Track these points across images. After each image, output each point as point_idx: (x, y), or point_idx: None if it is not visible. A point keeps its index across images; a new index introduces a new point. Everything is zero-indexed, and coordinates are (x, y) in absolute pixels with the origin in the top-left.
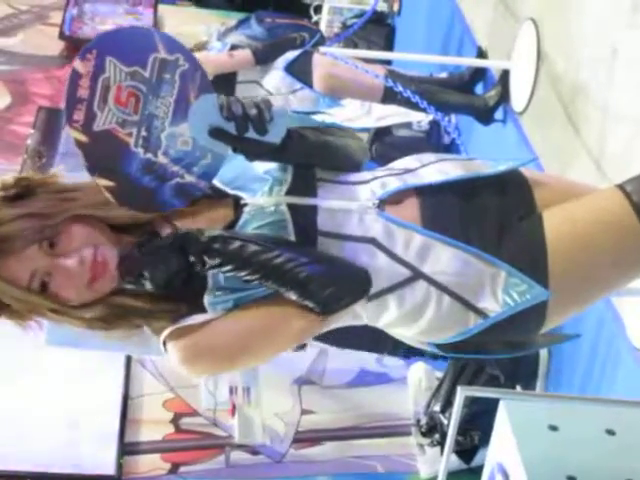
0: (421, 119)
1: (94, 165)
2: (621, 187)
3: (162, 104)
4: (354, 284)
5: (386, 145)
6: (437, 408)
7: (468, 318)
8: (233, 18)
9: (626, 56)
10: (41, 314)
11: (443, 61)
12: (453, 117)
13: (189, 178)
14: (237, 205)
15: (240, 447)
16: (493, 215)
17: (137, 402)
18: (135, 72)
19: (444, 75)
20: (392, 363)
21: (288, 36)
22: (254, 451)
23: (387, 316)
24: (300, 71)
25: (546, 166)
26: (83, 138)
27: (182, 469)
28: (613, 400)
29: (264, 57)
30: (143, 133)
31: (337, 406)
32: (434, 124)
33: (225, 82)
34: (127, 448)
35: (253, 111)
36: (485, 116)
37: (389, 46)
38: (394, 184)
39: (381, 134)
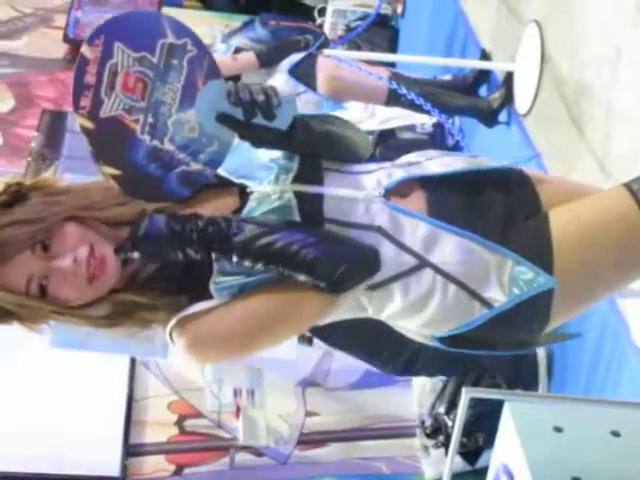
0: (425, 121)
1: (100, 152)
2: (627, 186)
3: (169, 90)
4: (364, 262)
5: (390, 147)
6: (442, 410)
7: (473, 308)
8: (237, 20)
9: (630, 57)
10: (45, 317)
11: (447, 63)
12: (457, 119)
13: (195, 166)
14: (243, 193)
15: (244, 449)
16: (498, 212)
17: (142, 404)
18: (143, 57)
19: (448, 77)
20: None
21: (292, 39)
22: (258, 453)
23: (392, 306)
24: (304, 74)
25: (550, 168)
26: (89, 125)
27: (186, 471)
28: (618, 401)
29: (268, 60)
30: (150, 120)
31: (341, 408)
32: (438, 126)
33: None
34: (132, 450)
35: (261, 97)
36: (489, 118)
37: (393, 48)
38: (400, 174)
39: (385, 137)
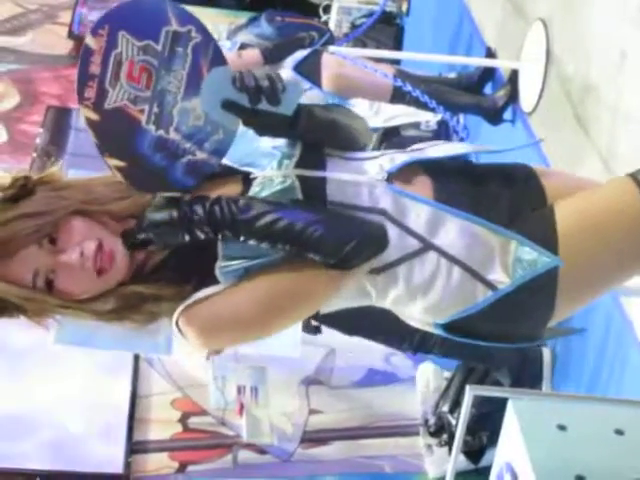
0: (429, 119)
1: (105, 144)
2: (632, 176)
3: (174, 78)
4: (373, 237)
5: (394, 145)
6: (445, 408)
7: (477, 291)
8: (242, 18)
9: (636, 56)
10: (52, 311)
11: (452, 61)
12: (462, 117)
13: (201, 155)
14: (246, 180)
15: (248, 446)
16: (504, 204)
17: (145, 401)
18: (147, 46)
19: (453, 75)
20: (400, 363)
21: (297, 36)
22: (262, 450)
23: (396, 290)
24: (309, 71)
25: (555, 166)
26: (94, 116)
27: (190, 468)
28: (622, 400)
29: (273, 57)
30: (155, 109)
31: (345, 406)
32: (442, 124)
33: None
34: (135, 447)
35: (265, 82)
36: (494, 116)
37: (398, 46)
38: (403, 159)
39: (389, 134)
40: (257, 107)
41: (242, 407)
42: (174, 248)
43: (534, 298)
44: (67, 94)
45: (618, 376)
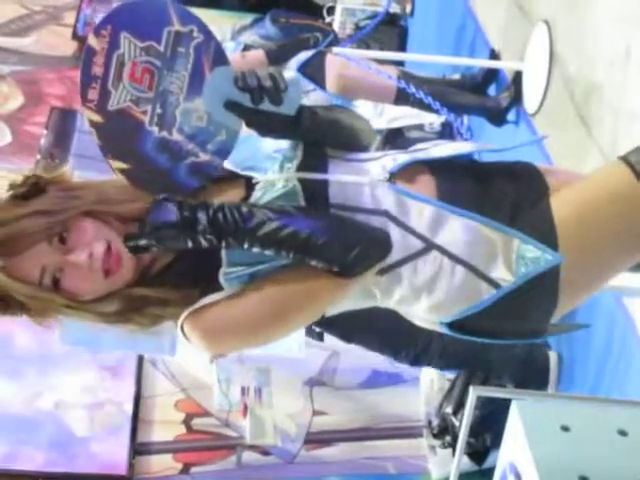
0: (433, 120)
1: (108, 146)
2: (624, 159)
3: (177, 79)
4: (376, 244)
5: (398, 147)
6: (449, 410)
7: (481, 289)
8: (245, 19)
9: (639, 56)
10: (56, 310)
11: (455, 62)
12: (465, 118)
13: (204, 157)
14: (248, 184)
15: (251, 448)
16: (508, 200)
17: (149, 402)
18: (150, 47)
19: (456, 76)
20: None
21: (301, 37)
22: (265, 452)
23: (401, 290)
24: (313, 72)
25: (558, 166)
26: (97, 118)
27: (193, 469)
28: (625, 401)
29: (277, 58)
30: (158, 110)
31: (349, 407)
32: (446, 125)
33: None
34: (139, 448)
35: (268, 82)
36: (498, 117)
37: (402, 47)
38: (405, 158)
39: (393, 136)
40: (259, 107)
41: (246, 408)
42: (181, 252)
43: (537, 293)
44: (71, 95)
45: (622, 377)
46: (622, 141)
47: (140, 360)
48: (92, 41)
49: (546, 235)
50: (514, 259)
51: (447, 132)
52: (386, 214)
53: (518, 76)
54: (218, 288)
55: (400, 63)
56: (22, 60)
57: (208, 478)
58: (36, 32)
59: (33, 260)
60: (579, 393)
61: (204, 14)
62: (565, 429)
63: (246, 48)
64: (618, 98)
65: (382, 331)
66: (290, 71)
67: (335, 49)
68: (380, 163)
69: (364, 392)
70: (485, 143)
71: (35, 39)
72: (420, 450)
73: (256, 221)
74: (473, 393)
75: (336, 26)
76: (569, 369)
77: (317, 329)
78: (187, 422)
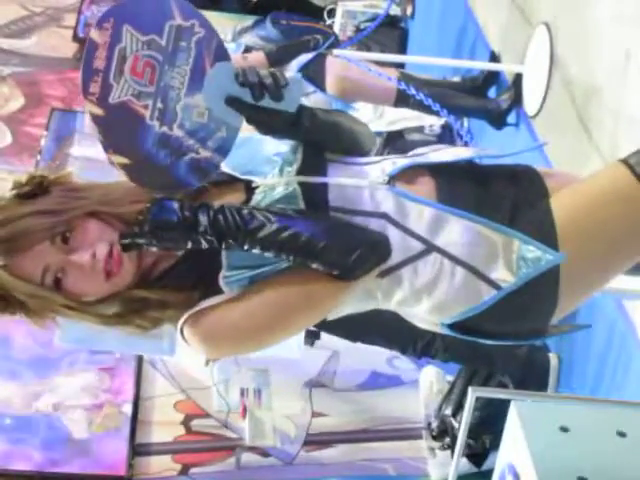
0: (433, 123)
1: (109, 140)
2: (624, 161)
3: (178, 74)
4: (376, 247)
5: (398, 149)
6: (448, 412)
7: (481, 290)
8: (245, 21)
9: (639, 59)
10: (55, 311)
11: (456, 64)
12: (465, 121)
13: (204, 153)
14: (248, 188)
15: (251, 449)
16: (507, 202)
17: (148, 403)
18: (152, 41)
19: (457, 78)
20: (404, 365)
21: (301, 39)
22: (265, 453)
23: (401, 292)
24: (313, 74)
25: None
26: (99, 111)
27: (193, 470)
28: (624, 402)
29: (277, 60)
30: (159, 105)
31: (348, 409)
32: (446, 128)
33: None
34: (138, 449)
35: (268, 79)
36: (498, 120)
37: (402, 49)
38: (405, 162)
39: (393, 138)
40: (260, 103)
41: (245, 410)
42: (182, 255)
43: (537, 294)
44: (72, 97)
45: (621, 379)
46: (622, 144)
47: (139, 361)
48: (94, 34)
49: (546, 235)
50: (515, 260)
51: (447, 134)
52: (385, 217)
53: (518, 78)
54: (218, 291)
55: (400, 65)
56: (23, 61)
57: (207, 479)
58: (37, 34)
59: (36, 259)
60: (578, 394)
61: (205, 15)
62: (564, 430)
63: (247, 49)
64: (618, 101)
65: (386, 329)
66: (291, 73)
67: (335, 51)
68: (380, 166)
69: (363, 394)
70: (485, 148)
71: (36, 40)
72: (419, 452)
73: (257, 223)
74: (472, 394)
75: (337, 28)
76: (569, 371)
77: (312, 328)
78: (186, 423)
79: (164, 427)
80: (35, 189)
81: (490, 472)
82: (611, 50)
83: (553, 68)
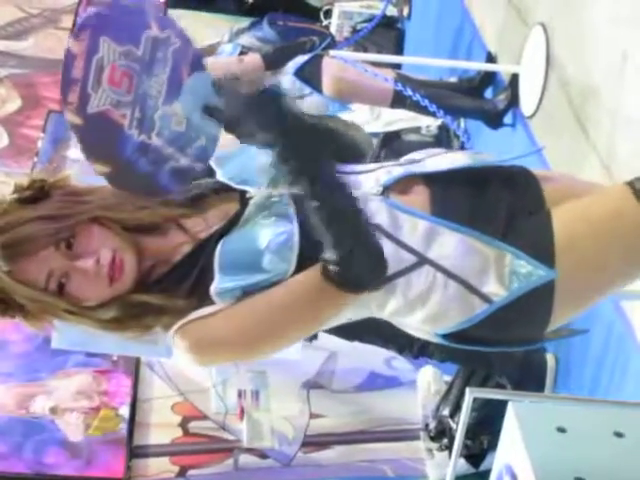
0: (430, 124)
1: (89, 149)
2: (630, 184)
3: (155, 83)
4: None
5: (395, 150)
6: (446, 412)
7: (473, 303)
8: (242, 23)
9: (636, 59)
10: (56, 315)
11: (452, 65)
12: (462, 121)
13: (184, 161)
14: (243, 198)
15: (248, 451)
16: (503, 211)
17: (146, 406)
18: (129, 51)
19: (453, 79)
20: (401, 366)
21: (298, 41)
22: (262, 455)
23: (394, 303)
24: (310, 76)
25: (555, 170)
26: (78, 120)
27: (190, 472)
28: (622, 402)
29: (274, 62)
30: (137, 114)
31: (346, 410)
32: (443, 129)
33: None
34: (136, 451)
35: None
36: (494, 120)
37: (399, 50)
38: (400, 172)
39: (390, 139)
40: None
41: (243, 411)
42: (179, 261)
43: (531, 307)
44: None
45: (619, 379)
46: (619, 144)
47: (137, 363)
48: (71, 45)
49: (542, 250)
50: (507, 274)
51: (444, 135)
52: (378, 228)
53: (515, 79)
54: (212, 301)
55: (397, 66)
56: (20, 63)
57: None
58: (34, 35)
59: (40, 265)
60: (576, 394)
61: (201, 17)
62: (561, 430)
63: (243, 52)
64: (615, 101)
65: (383, 329)
66: (287, 75)
67: (332, 52)
68: (374, 176)
69: (361, 395)
70: (481, 154)
71: (33, 42)
72: (417, 453)
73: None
74: (470, 395)
75: (333, 29)
76: (566, 371)
77: None
78: (184, 425)
79: (162, 429)
80: (36, 193)
81: (488, 473)
82: (607, 51)
83: (550, 69)
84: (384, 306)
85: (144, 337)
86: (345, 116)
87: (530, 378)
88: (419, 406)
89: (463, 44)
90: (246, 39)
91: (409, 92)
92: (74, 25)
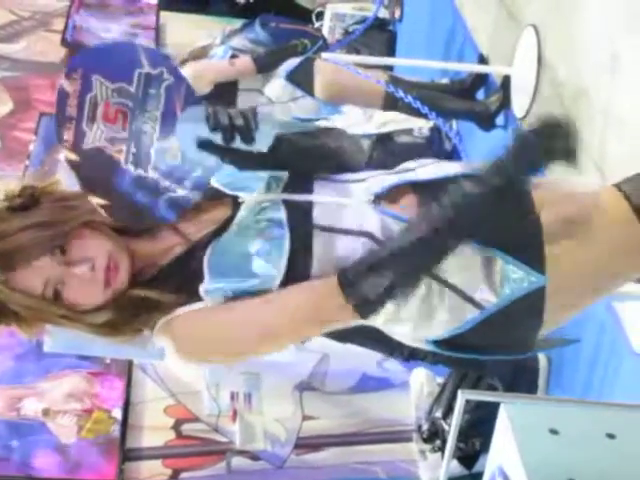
0: (422, 125)
1: (87, 183)
2: (618, 186)
3: (149, 119)
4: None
5: (387, 152)
6: (439, 414)
7: (464, 310)
8: (234, 24)
9: (627, 61)
10: (51, 321)
11: (444, 67)
12: (454, 123)
13: (181, 192)
14: (235, 203)
15: (241, 453)
16: (492, 219)
17: (138, 408)
18: (121, 88)
19: (445, 81)
20: (394, 368)
21: (289, 44)
22: (255, 457)
23: (386, 310)
24: (301, 79)
25: (547, 171)
26: (74, 157)
27: (183, 475)
28: (614, 404)
29: (265, 65)
30: (132, 149)
31: (339, 412)
32: (435, 130)
33: (226, 90)
34: (128, 454)
35: (239, 121)
36: (486, 122)
37: (390, 52)
38: (391, 181)
39: (382, 141)
40: (231, 145)
41: (235, 413)
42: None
43: (523, 312)
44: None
45: (611, 380)
46: (611, 144)
47: (129, 365)
48: (64, 84)
49: (533, 254)
50: (498, 280)
51: (436, 137)
52: (369, 236)
53: (507, 80)
54: (201, 300)
55: (389, 68)
56: (11, 66)
57: None
58: (25, 38)
59: (37, 273)
60: (568, 396)
61: (192, 19)
62: (554, 432)
63: (234, 56)
64: (607, 102)
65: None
66: (278, 78)
67: (324, 54)
68: (366, 185)
69: (354, 397)
70: (473, 162)
71: (24, 45)
72: (410, 455)
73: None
74: (462, 397)
75: (325, 31)
76: (558, 372)
77: None
78: (177, 428)
79: (154, 432)
80: (27, 201)
81: (480, 475)
82: (598, 51)
83: (541, 70)
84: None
85: (135, 340)
86: (337, 119)
87: (522, 380)
88: (412, 408)
89: (455, 46)
90: (238, 41)
91: (401, 94)
92: (65, 28)
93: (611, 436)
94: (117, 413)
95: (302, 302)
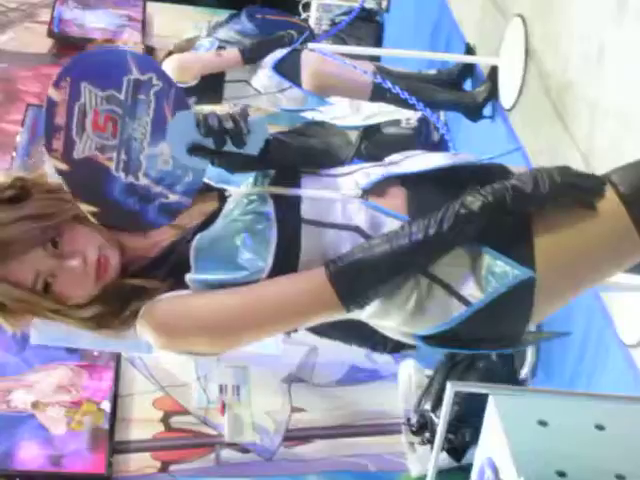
0: (410, 116)
1: (77, 191)
2: (606, 177)
3: (139, 125)
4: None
5: (375, 143)
6: (428, 406)
7: (451, 305)
8: (221, 16)
9: (613, 52)
10: (40, 314)
11: (431, 57)
12: (442, 114)
13: (173, 197)
14: (222, 197)
15: (230, 445)
16: None
17: (127, 401)
18: (110, 96)
19: (432, 72)
20: (382, 359)
21: (276, 35)
22: (244, 449)
23: (374, 306)
24: (288, 70)
25: (534, 162)
26: (63, 166)
27: (172, 467)
28: (602, 395)
29: (252, 56)
30: (123, 157)
31: (327, 404)
32: (423, 121)
33: (213, 82)
34: (117, 447)
35: (229, 124)
36: (474, 112)
37: (378, 43)
38: (378, 174)
39: (370, 132)
40: (223, 149)
41: (224, 406)
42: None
43: (510, 305)
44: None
45: (599, 371)
46: (598, 135)
47: (118, 358)
48: (52, 93)
49: (520, 248)
50: (484, 275)
51: (424, 128)
52: (357, 230)
53: (494, 71)
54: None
55: (376, 58)
56: None
57: (187, 476)
58: (11, 29)
59: (28, 265)
60: (556, 387)
61: (180, 10)
62: (542, 424)
63: (221, 47)
64: (593, 93)
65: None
66: (266, 69)
67: (311, 45)
68: (353, 178)
69: (343, 389)
70: (460, 154)
71: (10, 36)
72: (399, 447)
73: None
74: (451, 388)
75: (312, 22)
76: (547, 364)
77: None
78: (165, 420)
79: (143, 424)
80: (19, 192)
81: (470, 466)
82: (586, 42)
83: (528, 61)
84: (362, 310)
85: (122, 334)
86: (325, 110)
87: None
88: (401, 400)
89: (442, 36)
90: (224, 32)
91: (388, 85)
92: (52, 19)
93: (600, 427)
94: (106, 405)
95: (288, 293)
